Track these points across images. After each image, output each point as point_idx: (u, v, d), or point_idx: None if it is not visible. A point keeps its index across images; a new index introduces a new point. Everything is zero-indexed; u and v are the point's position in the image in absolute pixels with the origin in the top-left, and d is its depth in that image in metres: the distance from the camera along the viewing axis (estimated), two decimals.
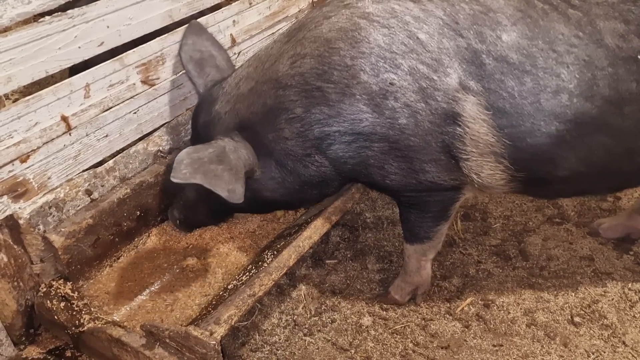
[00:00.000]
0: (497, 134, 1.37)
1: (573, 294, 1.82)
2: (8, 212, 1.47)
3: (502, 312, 1.76)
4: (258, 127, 1.51)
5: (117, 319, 1.57)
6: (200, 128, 1.64)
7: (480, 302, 1.80)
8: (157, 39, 1.73)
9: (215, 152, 1.43)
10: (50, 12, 1.42)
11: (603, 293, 1.82)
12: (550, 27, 1.34)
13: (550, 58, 1.33)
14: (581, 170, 1.43)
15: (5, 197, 1.45)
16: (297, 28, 1.53)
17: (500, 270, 1.93)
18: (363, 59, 1.37)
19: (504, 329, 1.71)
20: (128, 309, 1.62)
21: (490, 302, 1.80)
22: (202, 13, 1.88)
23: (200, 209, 1.74)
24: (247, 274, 1.65)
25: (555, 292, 1.83)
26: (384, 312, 1.77)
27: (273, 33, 2.23)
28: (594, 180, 1.50)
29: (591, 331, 1.69)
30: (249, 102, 1.52)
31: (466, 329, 1.71)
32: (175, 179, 1.35)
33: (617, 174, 1.49)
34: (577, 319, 1.72)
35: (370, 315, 1.76)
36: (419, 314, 1.77)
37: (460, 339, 1.67)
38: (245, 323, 1.73)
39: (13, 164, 1.45)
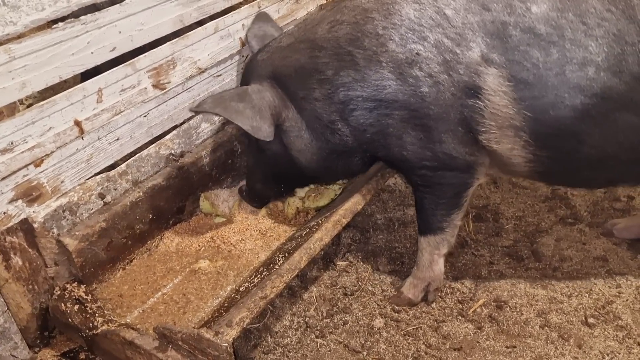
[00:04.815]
0: (517, 106, 1.38)
1: (587, 295, 1.80)
2: (23, 216, 1.49)
3: (515, 313, 1.75)
4: (289, 81, 1.60)
5: (130, 322, 1.58)
6: (241, 77, 1.78)
7: (492, 303, 1.79)
8: (168, 43, 1.75)
9: (236, 92, 1.56)
10: (63, 19, 1.44)
11: (617, 294, 1.80)
12: (583, 0, 1.35)
13: (580, 30, 1.33)
14: (607, 151, 1.43)
15: (20, 201, 1.47)
16: None
17: (513, 271, 1.91)
18: (393, 30, 1.45)
19: (517, 330, 1.69)
20: (141, 311, 1.63)
21: (502, 303, 1.78)
22: (212, 17, 1.89)
23: (257, 175, 1.84)
24: (259, 276, 1.66)
25: (568, 293, 1.81)
26: (396, 314, 1.76)
27: None
28: (622, 165, 1.49)
29: (606, 332, 1.67)
30: (284, 54, 1.62)
31: (479, 331, 1.70)
32: (195, 109, 1.51)
33: None
34: (591, 320, 1.70)
35: (382, 317, 1.75)
36: (431, 315, 1.76)
37: (473, 341, 1.66)
38: (257, 325, 1.73)
39: (27, 169, 1.47)
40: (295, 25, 1.80)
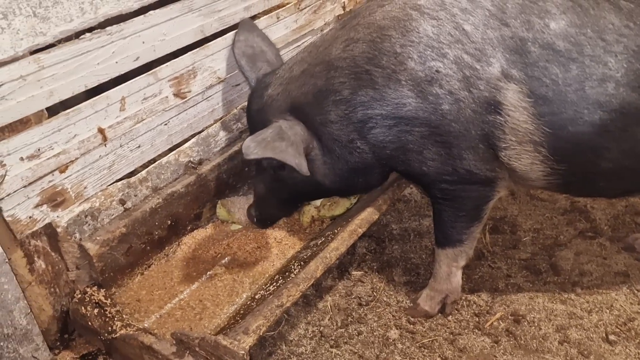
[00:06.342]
0: (536, 121, 1.38)
1: (608, 311, 1.77)
2: (47, 221, 1.53)
3: (533, 328, 1.72)
4: (308, 108, 1.58)
5: (148, 326, 1.60)
6: (255, 114, 1.72)
7: (510, 317, 1.77)
8: (189, 53, 1.78)
9: (274, 131, 1.51)
10: (90, 29, 1.48)
11: (639, 310, 1.76)
12: (601, 17, 1.35)
13: (599, 46, 1.34)
14: (624, 164, 1.43)
15: (45, 206, 1.51)
16: (352, 16, 1.63)
17: (531, 285, 1.89)
18: (412, 47, 1.44)
19: (535, 345, 1.67)
20: (158, 316, 1.65)
21: (520, 317, 1.76)
22: (232, 28, 1.92)
23: (271, 202, 1.81)
24: (274, 283, 1.67)
25: (588, 309, 1.78)
26: (411, 326, 1.75)
27: (298, 46, 2.27)
28: (639, 176, 1.48)
29: (627, 350, 1.63)
30: (300, 83, 1.60)
31: (496, 345, 1.68)
32: (250, 156, 1.44)
33: None
34: (612, 337, 1.67)
35: (397, 328, 1.74)
36: (447, 328, 1.74)
37: (490, 355, 1.64)
38: (272, 333, 1.74)
39: (53, 174, 1.51)
40: (301, 50, 1.74)
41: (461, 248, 1.69)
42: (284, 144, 1.49)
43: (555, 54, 1.35)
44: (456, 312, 1.79)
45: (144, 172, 1.77)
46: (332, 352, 1.68)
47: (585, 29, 1.35)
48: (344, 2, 2.41)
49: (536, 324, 1.73)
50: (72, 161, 1.54)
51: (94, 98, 1.56)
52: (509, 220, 2.17)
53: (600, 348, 1.64)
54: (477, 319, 1.77)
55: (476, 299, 1.84)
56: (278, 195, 1.78)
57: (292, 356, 1.67)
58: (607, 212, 2.18)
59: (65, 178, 1.55)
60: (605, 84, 1.34)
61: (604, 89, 1.34)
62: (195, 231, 1.93)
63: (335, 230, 1.78)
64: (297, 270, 1.64)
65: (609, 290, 1.84)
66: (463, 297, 1.84)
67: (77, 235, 1.60)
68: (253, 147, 1.44)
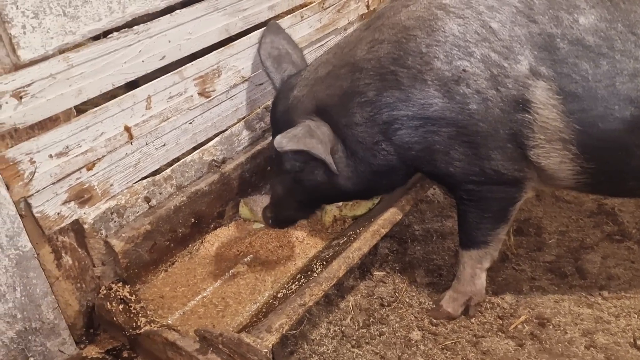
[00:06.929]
0: (566, 119, 1.36)
1: (636, 316, 1.72)
2: (74, 217, 1.55)
3: (558, 331, 1.69)
4: (333, 110, 1.57)
5: (171, 323, 1.62)
6: (280, 116, 1.71)
7: (534, 320, 1.74)
8: (214, 52, 1.79)
9: (304, 129, 1.52)
10: (118, 29, 1.50)
11: None
12: (632, 10, 1.33)
13: (630, 41, 1.31)
14: None
15: (72, 203, 1.53)
16: (376, 17, 1.61)
17: (556, 288, 1.85)
18: (438, 47, 1.42)
19: (560, 349, 1.64)
20: (181, 313, 1.67)
21: (545, 320, 1.73)
22: (256, 27, 1.93)
23: (289, 203, 1.79)
24: (296, 282, 1.67)
25: (616, 313, 1.74)
26: (434, 327, 1.74)
27: (322, 45, 2.26)
28: None
29: None
30: (326, 84, 1.59)
31: (520, 348, 1.65)
32: (284, 148, 1.44)
33: None
34: None
35: (419, 330, 1.73)
36: (470, 330, 1.72)
37: (514, 358, 1.61)
38: (294, 332, 1.74)
39: (80, 172, 1.53)
40: (325, 51, 1.74)
41: (486, 250, 1.67)
42: (314, 140, 1.48)
43: (584, 50, 1.33)
44: (479, 314, 1.77)
45: (168, 171, 1.79)
46: (353, 352, 1.67)
47: (615, 24, 1.32)
48: (367, 1, 2.40)
49: (562, 328, 1.70)
50: (99, 159, 1.56)
51: (120, 97, 1.57)
52: (534, 222, 2.13)
53: (628, 353, 1.60)
54: (501, 322, 1.74)
55: (500, 301, 1.81)
56: (298, 197, 1.76)
57: (313, 355, 1.67)
58: (635, 215, 2.13)
59: (92, 175, 1.57)
60: (636, 79, 1.31)
61: (635, 84, 1.31)
62: (218, 229, 1.95)
63: (358, 230, 1.77)
64: (319, 270, 1.64)
65: (637, 295, 1.79)
66: (487, 300, 1.81)
67: (103, 231, 1.63)
68: (286, 142, 1.44)
